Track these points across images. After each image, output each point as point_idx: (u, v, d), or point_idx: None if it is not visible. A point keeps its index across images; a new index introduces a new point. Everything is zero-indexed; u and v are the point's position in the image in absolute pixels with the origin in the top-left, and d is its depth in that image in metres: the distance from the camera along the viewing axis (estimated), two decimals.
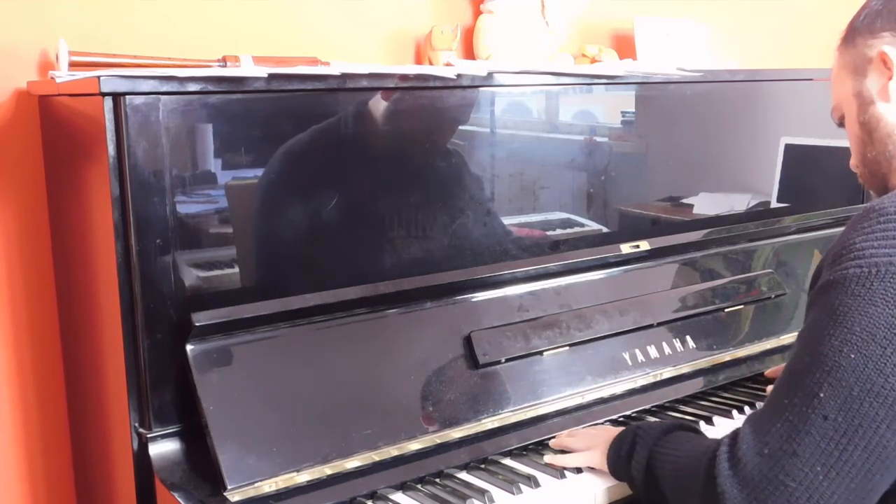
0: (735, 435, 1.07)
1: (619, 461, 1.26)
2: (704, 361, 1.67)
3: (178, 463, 1.25)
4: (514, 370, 1.47)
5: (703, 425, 1.48)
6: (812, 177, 2.10)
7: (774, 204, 2.04)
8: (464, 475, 1.35)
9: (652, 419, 1.53)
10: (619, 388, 1.55)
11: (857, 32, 1.20)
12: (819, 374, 1.01)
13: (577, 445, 1.37)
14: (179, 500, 1.19)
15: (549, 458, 1.37)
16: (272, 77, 1.29)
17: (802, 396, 1.02)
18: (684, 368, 1.64)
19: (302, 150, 1.37)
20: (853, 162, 1.25)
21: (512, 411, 1.44)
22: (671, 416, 1.54)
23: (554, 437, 1.42)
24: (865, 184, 1.25)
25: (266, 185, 1.35)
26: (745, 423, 1.08)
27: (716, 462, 1.05)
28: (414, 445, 1.33)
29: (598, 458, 1.32)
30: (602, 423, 1.49)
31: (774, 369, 1.68)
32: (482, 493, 1.27)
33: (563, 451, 1.39)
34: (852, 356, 1.00)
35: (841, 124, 1.26)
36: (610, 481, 1.31)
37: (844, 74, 1.22)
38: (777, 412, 1.04)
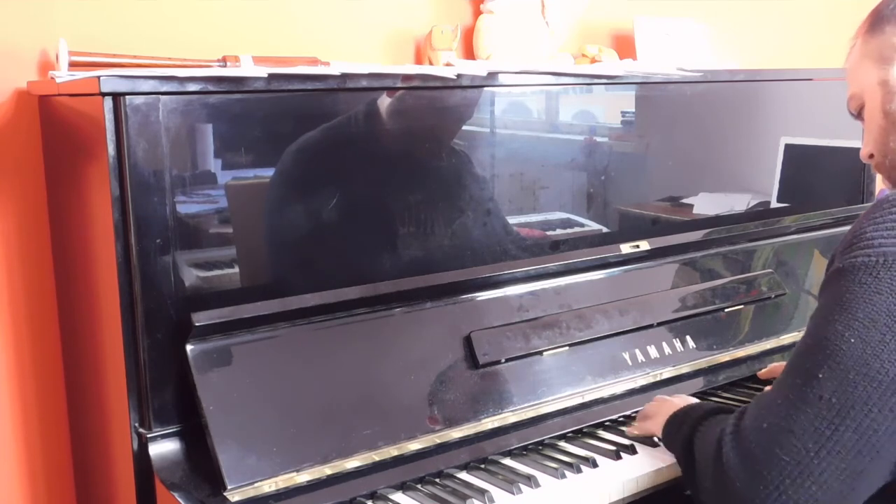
0: (744, 410, 1.12)
1: (670, 436, 1.31)
2: (704, 361, 1.67)
3: (178, 463, 1.25)
4: (514, 370, 1.47)
5: None
6: (812, 177, 2.10)
7: (774, 204, 2.04)
8: (464, 475, 1.35)
9: None
10: (619, 388, 1.55)
11: (885, 20, 1.20)
12: (820, 357, 1.05)
13: (648, 410, 1.43)
14: (179, 500, 1.19)
15: (628, 429, 1.45)
16: (272, 77, 1.29)
17: (803, 376, 1.06)
18: (684, 368, 1.64)
19: (302, 151, 1.37)
20: (869, 151, 1.26)
21: (512, 411, 1.44)
22: None
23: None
24: (883, 174, 1.26)
25: (266, 185, 1.36)
26: (753, 400, 1.13)
27: (724, 434, 1.10)
28: (414, 445, 1.33)
29: (657, 429, 1.37)
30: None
31: (767, 370, 1.68)
32: (482, 493, 1.27)
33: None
34: (852, 340, 1.03)
35: (857, 115, 1.26)
36: (611, 481, 1.31)
37: (868, 63, 1.22)
38: (780, 390, 1.09)
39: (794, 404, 1.05)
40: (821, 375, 1.04)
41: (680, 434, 1.26)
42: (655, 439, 1.40)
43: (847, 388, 1.02)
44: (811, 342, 1.08)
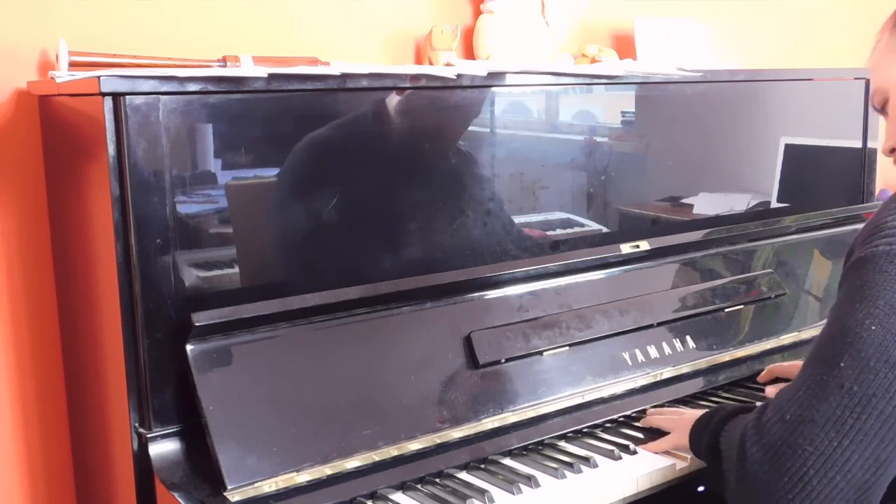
0: (766, 405, 1.11)
1: (696, 440, 1.31)
2: (704, 361, 1.67)
3: (178, 463, 1.25)
4: (515, 370, 1.47)
5: None
6: (812, 177, 2.10)
7: (774, 204, 2.04)
8: (464, 475, 1.35)
9: None
10: (619, 388, 1.55)
11: None
12: (841, 346, 1.05)
13: (665, 425, 1.43)
14: (179, 500, 1.19)
15: (643, 447, 1.41)
16: (272, 77, 1.29)
17: (824, 366, 1.06)
18: (684, 368, 1.64)
19: (305, 150, 1.37)
20: (891, 146, 1.26)
21: (512, 411, 1.44)
22: None
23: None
24: None
25: (267, 185, 1.36)
26: (776, 393, 1.12)
27: (746, 429, 1.10)
28: (414, 445, 1.33)
29: (682, 439, 1.36)
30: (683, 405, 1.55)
31: (766, 372, 1.68)
32: (482, 493, 1.26)
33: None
34: (873, 328, 1.03)
35: (881, 109, 1.27)
36: (610, 482, 1.32)
37: (894, 58, 1.22)
38: (802, 381, 1.08)
39: (815, 394, 1.05)
40: (842, 364, 1.04)
41: (706, 436, 1.27)
42: (679, 452, 1.39)
43: (868, 376, 1.02)
44: (832, 331, 1.08)
